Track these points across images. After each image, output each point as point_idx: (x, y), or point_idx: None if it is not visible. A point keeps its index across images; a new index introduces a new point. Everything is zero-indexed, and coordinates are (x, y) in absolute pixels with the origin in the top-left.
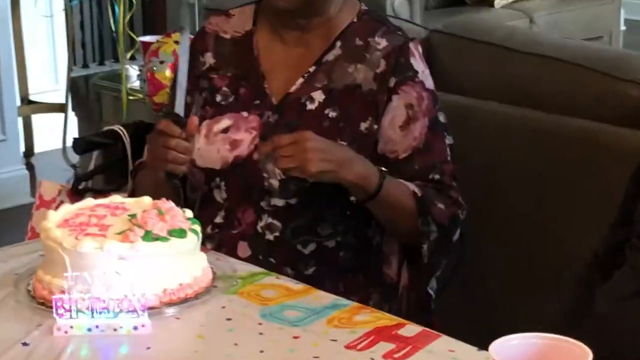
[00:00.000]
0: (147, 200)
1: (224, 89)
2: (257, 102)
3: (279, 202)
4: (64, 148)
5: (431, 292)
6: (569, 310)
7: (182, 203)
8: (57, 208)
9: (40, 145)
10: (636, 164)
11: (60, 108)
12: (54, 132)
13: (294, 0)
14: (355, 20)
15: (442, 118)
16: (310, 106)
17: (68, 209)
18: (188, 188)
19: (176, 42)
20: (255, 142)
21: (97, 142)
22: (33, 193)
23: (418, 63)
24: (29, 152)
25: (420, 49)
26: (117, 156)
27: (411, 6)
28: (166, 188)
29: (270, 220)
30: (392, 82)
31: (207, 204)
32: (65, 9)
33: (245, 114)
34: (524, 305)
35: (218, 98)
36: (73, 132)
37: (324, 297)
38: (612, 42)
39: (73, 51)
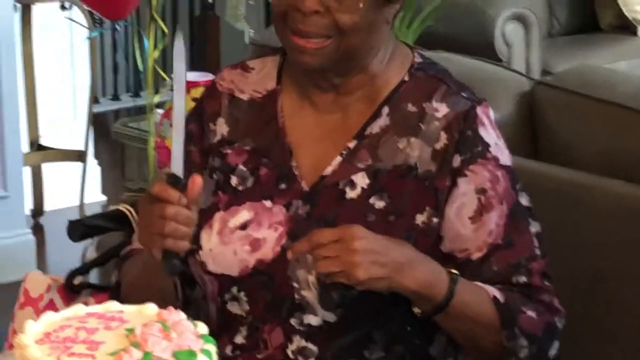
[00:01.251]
0: (150, 309)
1: (241, 167)
2: (283, 186)
3: (313, 319)
4: (81, 205)
5: None
6: None
7: (181, 300)
8: (45, 308)
9: (52, 202)
10: None
11: (79, 156)
12: (71, 185)
13: (324, 56)
14: (406, 78)
15: (524, 201)
16: (351, 194)
17: (51, 318)
18: (199, 294)
19: (194, 100)
20: (282, 242)
21: (99, 227)
22: (41, 263)
23: (489, 133)
24: (37, 211)
25: (491, 113)
26: (122, 244)
27: (527, 33)
28: (162, 279)
29: (303, 342)
30: (457, 161)
31: (225, 319)
32: (90, 40)
33: (268, 203)
34: None
35: (233, 181)
36: (94, 184)
37: None
38: None
39: (95, 88)
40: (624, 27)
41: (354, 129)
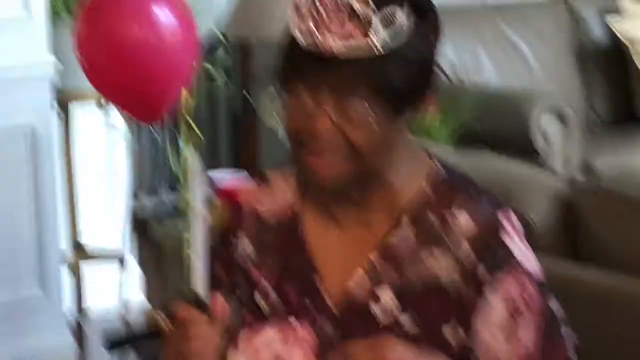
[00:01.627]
0: None
1: (265, 283)
2: (308, 303)
3: None
4: (121, 306)
5: None
6: None
7: None
8: None
9: (91, 303)
10: None
11: (118, 255)
12: (110, 286)
13: (340, 176)
14: (426, 187)
15: (554, 305)
16: (376, 309)
17: None
18: None
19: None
20: None
21: (134, 336)
22: None
23: (514, 241)
24: (77, 312)
25: (514, 220)
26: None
27: (565, 127)
28: None
29: None
30: (482, 271)
31: None
32: (127, 145)
33: (294, 322)
34: None
35: (257, 298)
36: (134, 284)
37: None
38: None
39: (133, 186)
40: None
41: (376, 242)
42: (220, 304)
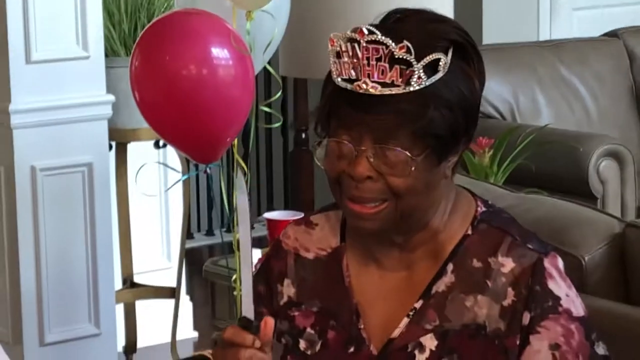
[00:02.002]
0: None
1: (309, 331)
2: (351, 350)
3: None
4: (174, 343)
5: None
6: None
7: None
8: None
9: (145, 339)
10: None
11: (171, 293)
12: (165, 322)
13: (382, 220)
14: (469, 231)
15: (601, 350)
16: (421, 357)
17: None
18: None
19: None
20: None
21: None
22: None
23: (559, 286)
24: (130, 348)
25: (560, 263)
26: None
27: (622, 169)
28: None
29: None
30: (527, 318)
31: None
32: (183, 184)
33: None
34: None
35: (302, 345)
36: (187, 321)
37: None
38: None
39: (188, 227)
40: None
41: (420, 288)
42: (269, 327)
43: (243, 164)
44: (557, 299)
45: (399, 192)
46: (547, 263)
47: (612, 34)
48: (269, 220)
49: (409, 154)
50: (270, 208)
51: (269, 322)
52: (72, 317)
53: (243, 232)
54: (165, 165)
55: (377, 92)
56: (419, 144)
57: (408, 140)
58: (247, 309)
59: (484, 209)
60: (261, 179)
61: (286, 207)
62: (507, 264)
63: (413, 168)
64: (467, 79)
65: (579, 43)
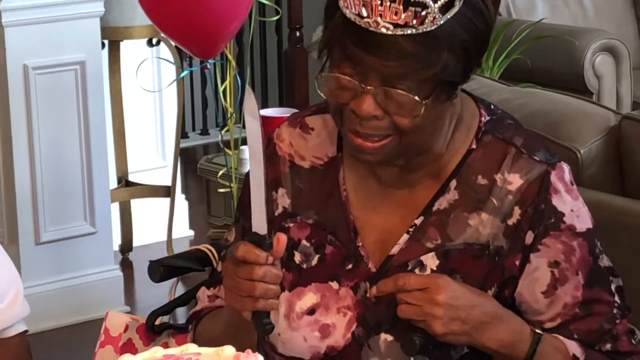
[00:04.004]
0: (228, 351)
1: (305, 243)
2: (349, 266)
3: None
4: (169, 241)
5: None
6: None
7: None
8: (123, 348)
9: (140, 238)
10: None
11: (166, 192)
12: (160, 221)
13: (384, 153)
14: (474, 145)
15: (603, 262)
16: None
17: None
18: None
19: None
20: (352, 328)
21: (179, 267)
22: (129, 299)
23: (565, 200)
24: (125, 247)
25: (567, 175)
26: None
27: (618, 64)
28: (249, 335)
29: None
30: (530, 238)
31: None
32: (177, 82)
33: (334, 285)
34: None
35: (297, 258)
36: (182, 220)
37: None
38: None
39: (182, 126)
40: None
41: (421, 204)
42: (282, 243)
43: (233, 62)
44: (561, 215)
45: (405, 130)
46: (553, 177)
47: None
48: (263, 117)
49: (417, 98)
50: (265, 107)
51: (281, 239)
52: (67, 216)
53: (253, 155)
54: (165, 59)
55: (390, 33)
56: (429, 86)
57: (418, 83)
58: (259, 225)
59: (487, 117)
60: (255, 78)
61: (281, 106)
62: (515, 181)
63: (422, 110)
64: (482, 10)
65: None
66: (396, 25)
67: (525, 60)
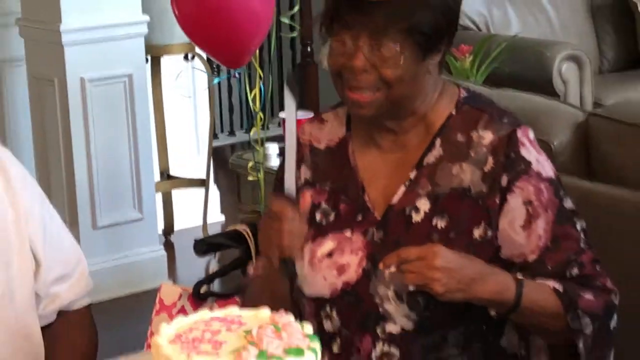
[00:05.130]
0: (264, 313)
1: (323, 205)
2: (359, 218)
3: (393, 328)
4: (205, 227)
5: None
6: None
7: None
8: (178, 313)
9: (180, 222)
10: None
11: (201, 183)
12: (196, 209)
13: (376, 106)
14: (453, 112)
15: (567, 204)
16: (417, 217)
17: (182, 322)
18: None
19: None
20: (363, 265)
21: (219, 244)
22: (172, 274)
23: (530, 151)
24: (168, 231)
25: (531, 134)
26: (240, 258)
27: (581, 71)
28: (282, 300)
29: (386, 348)
30: (504, 180)
31: (321, 335)
32: (209, 88)
33: (348, 233)
34: None
35: (318, 217)
36: (215, 208)
37: None
38: None
39: (214, 125)
40: None
41: (413, 162)
42: (307, 203)
43: (260, 72)
44: (529, 163)
45: (390, 81)
46: (519, 134)
47: None
48: (284, 119)
49: (398, 48)
50: (282, 109)
51: (307, 197)
52: (119, 204)
53: (289, 129)
54: (199, 69)
55: None
56: (407, 41)
57: (398, 37)
58: (290, 188)
59: (465, 94)
60: (274, 87)
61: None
62: (487, 136)
63: (402, 60)
64: None
65: None
66: None
67: (503, 69)
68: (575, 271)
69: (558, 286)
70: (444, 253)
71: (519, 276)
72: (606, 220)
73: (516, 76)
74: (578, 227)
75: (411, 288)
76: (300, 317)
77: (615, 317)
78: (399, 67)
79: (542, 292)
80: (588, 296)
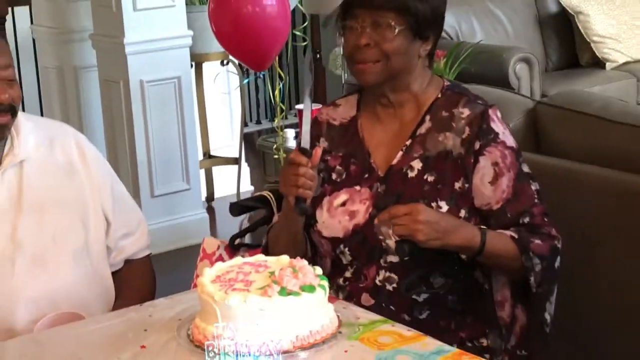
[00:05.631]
0: (284, 259)
1: (338, 167)
2: (366, 176)
3: (394, 259)
4: (238, 194)
5: (548, 316)
6: None
7: (309, 249)
8: (217, 260)
9: (219, 192)
10: None
11: (235, 161)
12: (231, 181)
13: (377, 74)
14: (439, 95)
15: (525, 169)
16: (411, 174)
17: (220, 266)
18: (316, 254)
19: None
20: (369, 211)
21: (249, 206)
22: (213, 232)
23: (498, 126)
24: (209, 198)
25: (498, 113)
26: (265, 217)
27: (531, 70)
28: (296, 225)
29: (388, 274)
30: (477, 145)
31: (337, 264)
32: (240, 87)
33: (357, 187)
34: (610, 348)
35: (334, 176)
36: (246, 180)
37: (430, 344)
38: None
39: (245, 116)
40: (597, 63)
41: (408, 132)
42: (318, 154)
43: (282, 73)
44: (497, 134)
45: (387, 53)
46: (490, 112)
47: None
48: (299, 110)
49: (393, 24)
50: (297, 102)
51: (317, 151)
52: (171, 178)
53: (306, 99)
54: (233, 72)
55: None
56: (400, 20)
57: (393, 16)
58: (305, 143)
59: (448, 83)
60: (290, 85)
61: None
62: (465, 112)
63: (396, 32)
64: None
65: None
66: None
67: (470, 68)
68: (527, 219)
69: (514, 234)
70: (426, 209)
71: (483, 227)
72: (551, 184)
73: (480, 74)
74: (533, 186)
75: (395, 238)
76: (313, 252)
77: (558, 258)
78: (394, 41)
79: (501, 239)
80: (537, 241)
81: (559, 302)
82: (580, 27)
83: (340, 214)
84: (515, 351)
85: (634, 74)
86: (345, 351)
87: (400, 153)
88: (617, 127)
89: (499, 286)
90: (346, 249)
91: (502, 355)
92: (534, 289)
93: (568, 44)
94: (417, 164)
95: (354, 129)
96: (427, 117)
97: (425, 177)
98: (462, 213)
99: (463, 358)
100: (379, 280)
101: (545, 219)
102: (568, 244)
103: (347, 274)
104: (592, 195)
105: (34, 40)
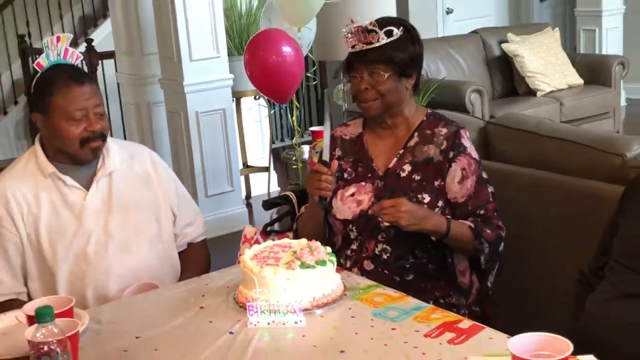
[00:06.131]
0: (303, 241)
1: (349, 169)
2: (370, 175)
3: (388, 234)
4: (268, 194)
5: (489, 284)
6: (571, 309)
7: (327, 232)
8: (254, 243)
9: (254, 192)
10: (612, 211)
11: (266, 169)
12: (263, 184)
13: (377, 108)
14: (424, 119)
15: (484, 175)
16: (403, 174)
17: (257, 247)
18: (331, 232)
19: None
20: (371, 200)
21: (277, 202)
22: (251, 222)
23: (466, 142)
24: (248, 197)
25: (467, 133)
26: (289, 210)
27: (482, 98)
28: (318, 215)
29: (384, 246)
30: (451, 154)
31: (346, 239)
32: (268, 115)
33: (363, 183)
34: (542, 306)
35: (345, 175)
36: (274, 183)
37: (411, 302)
38: (615, 115)
39: (272, 136)
40: (530, 92)
41: (401, 145)
42: (335, 166)
43: (297, 103)
44: (465, 147)
45: (382, 92)
46: (461, 131)
47: (474, 32)
48: (313, 131)
49: (382, 72)
50: (310, 125)
51: (334, 163)
52: (219, 182)
53: (326, 126)
54: (262, 105)
55: (365, 49)
56: (388, 68)
57: (382, 66)
58: (325, 157)
59: (430, 111)
60: (305, 114)
61: (318, 124)
62: (443, 131)
63: (386, 77)
64: (412, 42)
65: (458, 37)
66: (369, 43)
67: (437, 98)
68: (482, 212)
69: (471, 224)
70: (407, 202)
71: (448, 216)
72: (498, 183)
73: (444, 102)
74: (489, 189)
75: (386, 224)
76: (329, 232)
77: (502, 244)
78: (386, 83)
79: (461, 227)
80: (488, 230)
81: (508, 271)
82: (517, 66)
83: (349, 202)
84: (471, 307)
85: (558, 100)
86: (349, 308)
87: (395, 159)
88: (547, 140)
89: (460, 259)
90: (354, 227)
91: (464, 310)
92: (483, 265)
93: (509, 79)
94: (407, 167)
95: (360, 142)
96: (416, 134)
97: (413, 176)
98: (440, 203)
99: (435, 312)
100: (377, 251)
101: (496, 214)
102: (510, 227)
103: (354, 247)
104: (529, 190)
105: (118, 84)
